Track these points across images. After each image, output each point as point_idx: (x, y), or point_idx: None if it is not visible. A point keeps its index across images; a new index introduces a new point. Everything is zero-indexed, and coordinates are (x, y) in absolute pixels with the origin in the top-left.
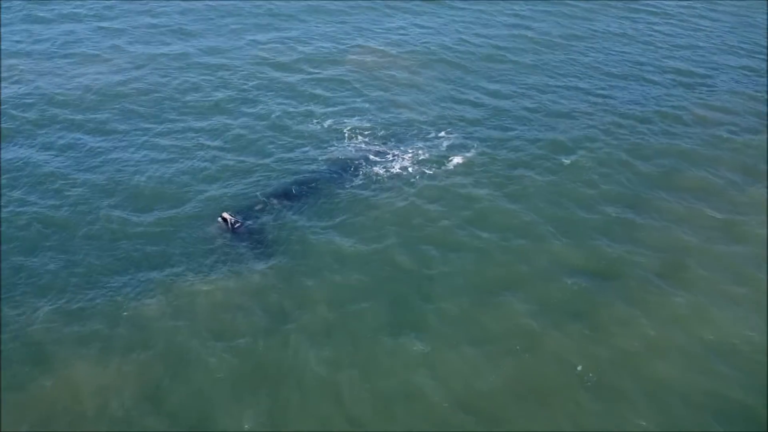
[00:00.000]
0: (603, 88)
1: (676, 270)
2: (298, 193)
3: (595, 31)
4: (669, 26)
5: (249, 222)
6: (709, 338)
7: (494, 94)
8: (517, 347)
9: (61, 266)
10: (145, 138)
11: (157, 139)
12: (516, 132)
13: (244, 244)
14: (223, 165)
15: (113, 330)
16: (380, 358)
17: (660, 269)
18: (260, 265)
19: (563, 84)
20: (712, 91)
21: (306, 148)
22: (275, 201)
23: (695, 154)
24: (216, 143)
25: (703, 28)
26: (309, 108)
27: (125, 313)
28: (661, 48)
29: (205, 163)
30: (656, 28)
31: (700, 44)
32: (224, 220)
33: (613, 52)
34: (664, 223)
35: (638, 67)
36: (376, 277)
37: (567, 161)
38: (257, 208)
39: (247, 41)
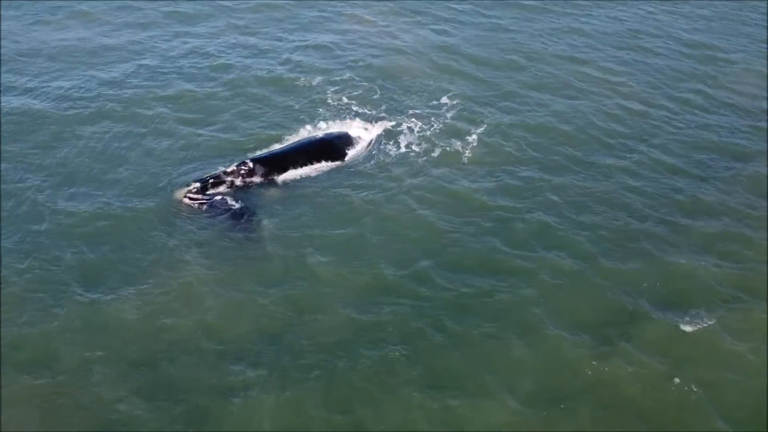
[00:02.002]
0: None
1: None
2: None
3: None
4: None
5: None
6: None
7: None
8: None
9: None
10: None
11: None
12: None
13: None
14: (190, 136)
15: None
16: None
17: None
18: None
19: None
20: None
21: (294, 113)
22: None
23: None
24: (179, 113)
25: None
26: (296, 72)
27: None
28: None
29: (170, 136)
30: None
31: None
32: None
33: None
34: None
35: None
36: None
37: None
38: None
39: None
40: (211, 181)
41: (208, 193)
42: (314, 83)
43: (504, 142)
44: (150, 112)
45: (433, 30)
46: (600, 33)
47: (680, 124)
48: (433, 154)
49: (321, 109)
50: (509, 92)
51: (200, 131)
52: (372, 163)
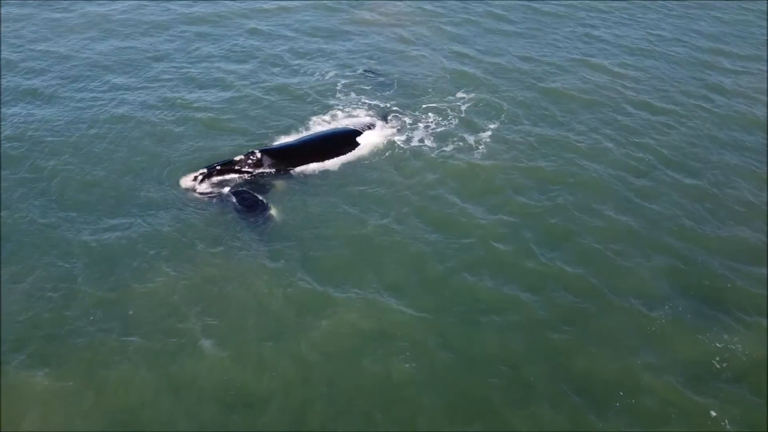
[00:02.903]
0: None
1: None
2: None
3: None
4: None
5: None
6: None
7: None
8: None
9: None
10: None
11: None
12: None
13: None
14: (200, 122)
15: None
16: None
17: None
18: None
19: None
20: None
21: (307, 107)
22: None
23: None
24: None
25: None
26: (313, 63)
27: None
28: None
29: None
30: None
31: None
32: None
33: None
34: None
35: None
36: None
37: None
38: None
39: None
40: (218, 168)
41: (214, 181)
42: (327, 78)
43: (517, 139)
44: (160, 108)
45: (446, 29)
46: (614, 36)
47: (692, 125)
48: (445, 149)
49: (333, 102)
50: (522, 91)
51: (211, 126)
52: (383, 157)
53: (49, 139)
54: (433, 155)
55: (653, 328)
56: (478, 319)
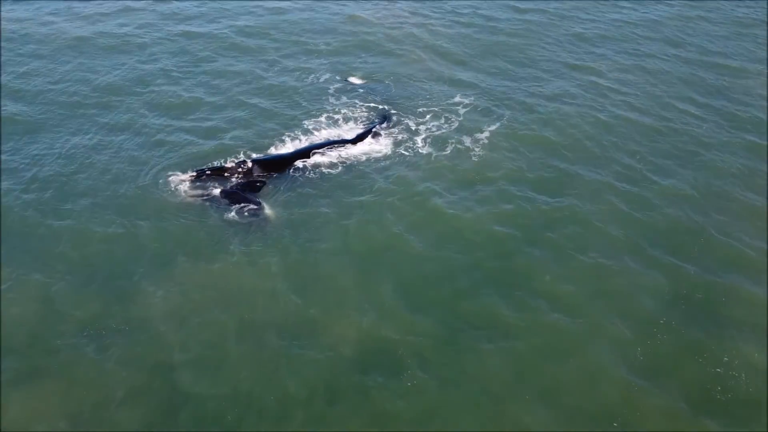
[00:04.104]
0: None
1: None
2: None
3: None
4: None
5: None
6: None
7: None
8: None
9: None
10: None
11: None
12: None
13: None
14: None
15: None
16: None
17: None
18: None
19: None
20: None
21: (302, 108)
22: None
23: None
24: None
25: None
26: (306, 64)
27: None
28: None
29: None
30: None
31: None
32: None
33: None
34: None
35: None
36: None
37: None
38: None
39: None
40: (207, 172)
41: (202, 183)
42: (320, 81)
43: (514, 143)
44: (148, 117)
45: (441, 32)
46: (608, 38)
47: (691, 129)
48: (442, 155)
49: (326, 106)
50: (518, 94)
51: (202, 132)
52: (379, 164)
53: (34, 146)
54: (429, 164)
55: (647, 349)
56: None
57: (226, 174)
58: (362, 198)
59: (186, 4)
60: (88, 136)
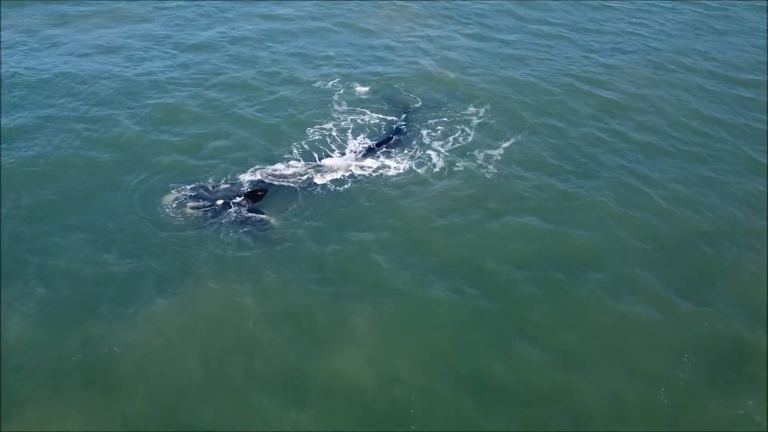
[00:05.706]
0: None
1: None
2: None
3: None
4: None
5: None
6: None
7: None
8: None
9: None
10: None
11: None
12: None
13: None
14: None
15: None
16: None
17: None
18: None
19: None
20: None
21: (307, 120)
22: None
23: None
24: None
25: None
26: (311, 74)
27: None
28: None
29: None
30: None
31: None
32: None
33: None
34: None
35: None
36: None
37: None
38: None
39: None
40: (201, 191)
41: (197, 199)
42: (328, 86)
43: (527, 163)
44: (148, 135)
45: (454, 41)
46: (625, 54)
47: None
48: (457, 167)
49: (335, 116)
50: (531, 109)
51: (206, 142)
52: (388, 178)
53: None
54: (440, 183)
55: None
56: None
57: (221, 194)
58: (372, 218)
59: (188, 12)
60: (85, 145)
